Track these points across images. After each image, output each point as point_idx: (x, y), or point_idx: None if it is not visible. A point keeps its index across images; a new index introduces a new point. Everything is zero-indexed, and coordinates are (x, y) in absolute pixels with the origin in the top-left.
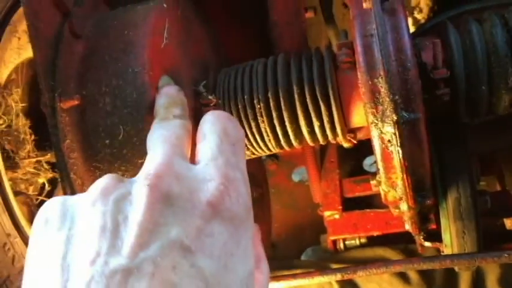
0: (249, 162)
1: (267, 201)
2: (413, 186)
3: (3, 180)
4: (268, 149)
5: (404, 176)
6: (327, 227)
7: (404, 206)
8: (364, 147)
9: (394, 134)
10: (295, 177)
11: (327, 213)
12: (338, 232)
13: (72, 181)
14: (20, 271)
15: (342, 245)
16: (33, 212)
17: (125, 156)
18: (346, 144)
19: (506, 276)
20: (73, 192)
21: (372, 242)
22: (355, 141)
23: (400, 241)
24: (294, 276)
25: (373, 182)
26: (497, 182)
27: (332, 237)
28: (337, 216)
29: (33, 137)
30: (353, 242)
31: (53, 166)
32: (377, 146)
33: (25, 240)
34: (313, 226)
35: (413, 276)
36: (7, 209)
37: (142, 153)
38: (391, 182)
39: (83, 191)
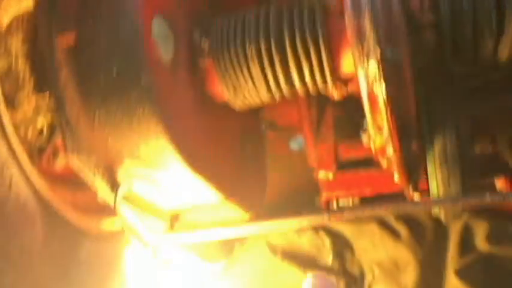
0: (246, 117)
1: (263, 162)
2: (397, 128)
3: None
4: (260, 98)
5: (388, 114)
6: (321, 187)
7: (390, 150)
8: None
9: (378, 69)
10: (293, 145)
11: (321, 174)
12: (331, 191)
13: (68, 116)
14: (16, 196)
15: (335, 206)
16: (33, 156)
17: (119, 90)
18: (337, 95)
19: (494, 232)
20: (70, 129)
21: (365, 203)
22: (345, 92)
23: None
24: (286, 218)
25: (364, 137)
26: (490, 145)
27: (326, 198)
28: (331, 177)
29: (32, 79)
30: (346, 203)
31: (51, 111)
32: (363, 88)
33: (21, 169)
34: (309, 190)
35: (403, 232)
36: (4, 137)
37: (132, 89)
38: (377, 125)
39: (79, 126)
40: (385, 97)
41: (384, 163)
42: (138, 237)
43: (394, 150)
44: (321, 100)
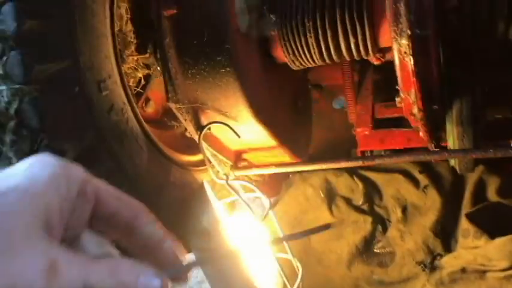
0: (298, 78)
1: (310, 117)
2: (422, 92)
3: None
4: (313, 61)
5: (415, 80)
6: (358, 141)
7: (416, 110)
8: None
9: (408, 45)
10: (336, 105)
11: (358, 130)
12: (367, 145)
13: (170, 69)
14: (131, 130)
15: None
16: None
17: (208, 54)
18: (376, 62)
19: (505, 187)
20: (170, 77)
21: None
22: (383, 60)
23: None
24: (325, 162)
25: (397, 99)
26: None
27: (362, 149)
28: (367, 133)
29: (135, 40)
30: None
31: (147, 66)
32: (396, 57)
33: (133, 110)
34: (347, 143)
35: (425, 183)
36: (122, 83)
37: (220, 51)
38: (406, 88)
39: (176, 80)
40: (412, 64)
41: (412, 121)
42: (212, 168)
43: (419, 110)
44: (362, 66)
